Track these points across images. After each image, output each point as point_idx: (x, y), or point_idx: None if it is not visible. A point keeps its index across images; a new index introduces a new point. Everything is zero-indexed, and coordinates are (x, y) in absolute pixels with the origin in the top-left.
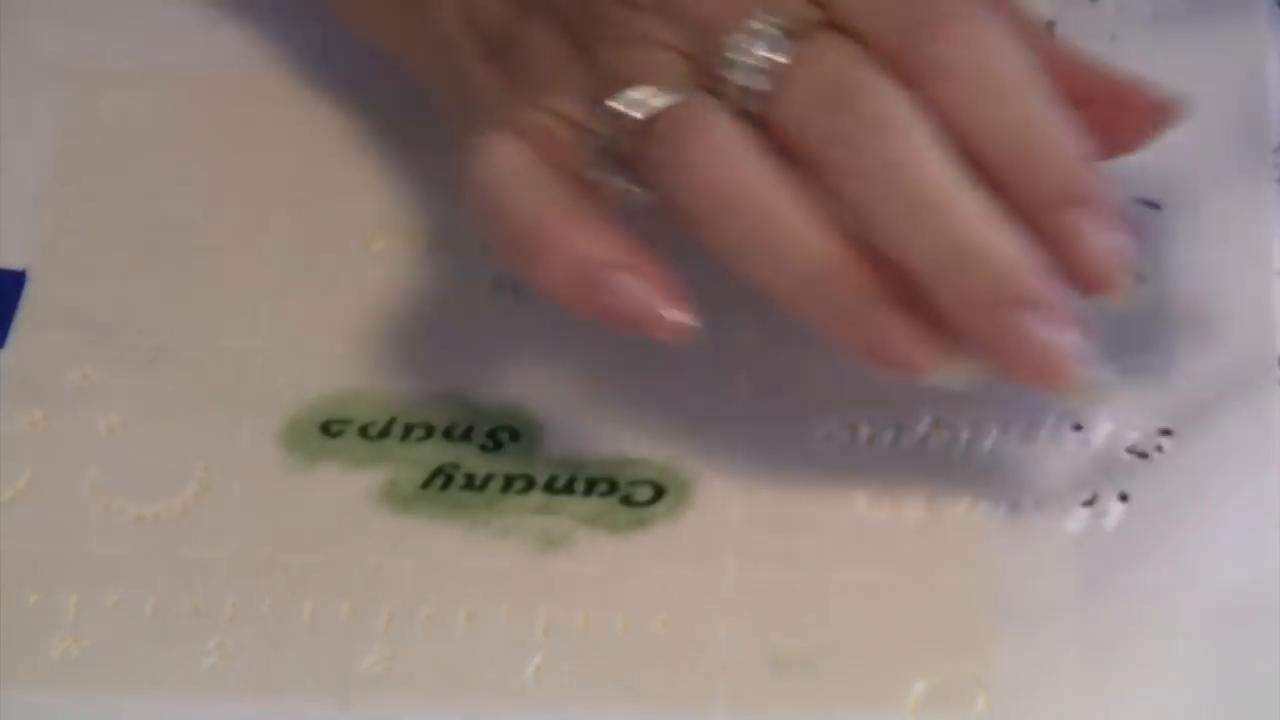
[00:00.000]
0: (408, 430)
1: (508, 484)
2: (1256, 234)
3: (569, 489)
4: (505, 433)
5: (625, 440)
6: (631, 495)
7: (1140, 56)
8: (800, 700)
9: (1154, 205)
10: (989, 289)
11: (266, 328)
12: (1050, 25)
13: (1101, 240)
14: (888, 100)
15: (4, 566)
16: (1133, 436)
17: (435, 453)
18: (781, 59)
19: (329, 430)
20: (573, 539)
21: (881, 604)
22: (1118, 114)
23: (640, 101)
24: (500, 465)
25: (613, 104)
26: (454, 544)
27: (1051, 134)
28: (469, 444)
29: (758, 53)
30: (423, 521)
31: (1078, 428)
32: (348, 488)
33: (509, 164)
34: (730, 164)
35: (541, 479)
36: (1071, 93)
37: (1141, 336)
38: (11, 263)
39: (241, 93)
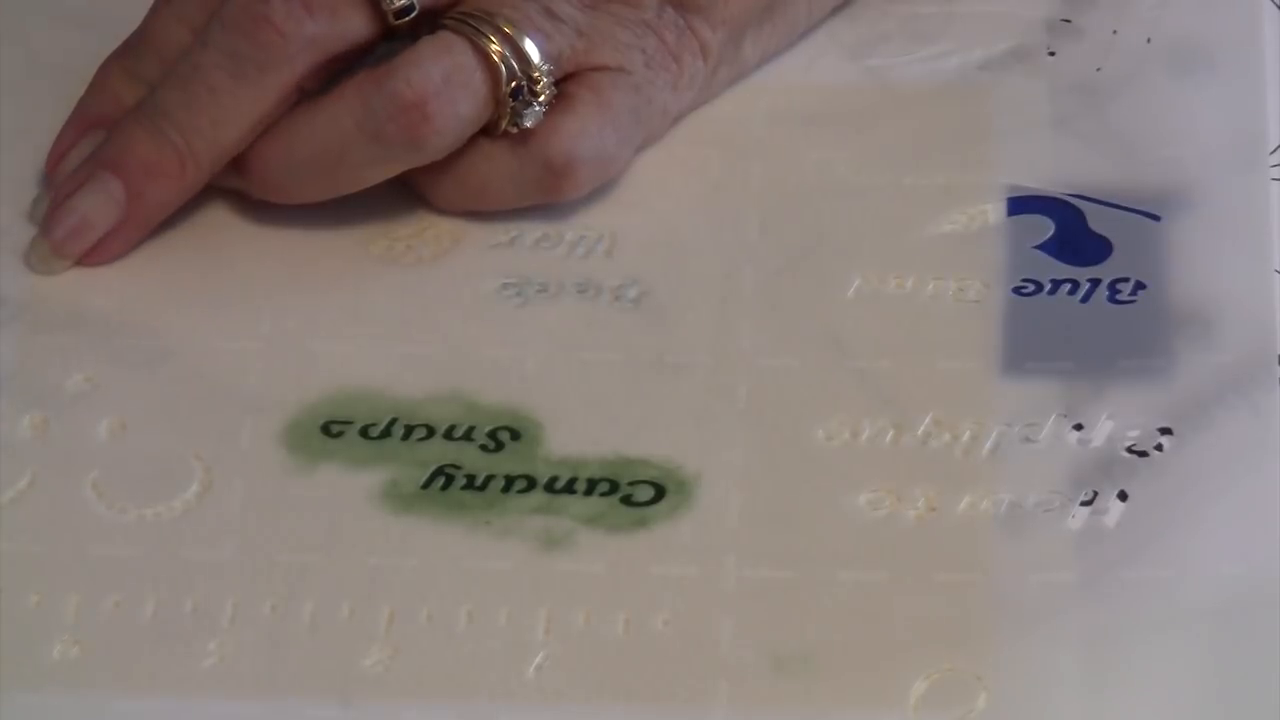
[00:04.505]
0: (408, 431)
1: (508, 484)
2: (1256, 234)
3: (569, 489)
4: (506, 433)
5: (625, 440)
6: (632, 495)
7: (1138, 63)
8: (800, 700)
9: (1153, 217)
10: None
11: (266, 328)
12: (1051, 54)
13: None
14: None
15: (4, 567)
16: (1133, 435)
17: (436, 453)
18: None
19: (330, 431)
20: (573, 539)
21: (882, 603)
22: None
23: None
24: (501, 465)
25: None
26: (455, 544)
27: None
28: (470, 444)
29: None
30: (424, 521)
31: (1078, 427)
32: (349, 488)
33: None
34: None
35: (542, 479)
36: None
37: (1141, 336)
38: (11, 264)
39: None
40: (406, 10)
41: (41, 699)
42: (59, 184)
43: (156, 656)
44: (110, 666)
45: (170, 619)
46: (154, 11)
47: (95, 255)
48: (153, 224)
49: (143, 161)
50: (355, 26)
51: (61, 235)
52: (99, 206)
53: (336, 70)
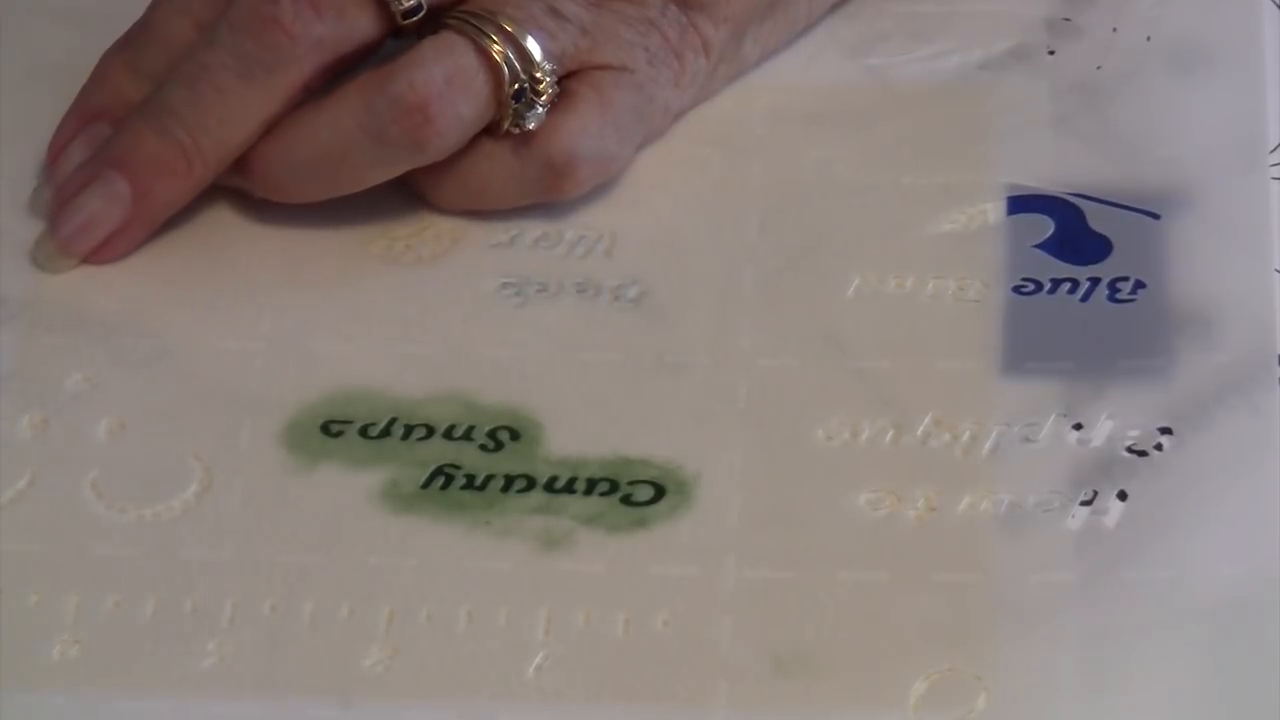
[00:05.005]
0: (408, 430)
1: (508, 484)
2: (1256, 234)
3: (569, 489)
4: (505, 433)
5: (625, 440)
6: (631, 495)
7: (1138, 62)
8: (800, 700)
9: (1153, 216)
10: None
11: (266, 328)
12: (1051, 54)
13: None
14: None
15: (4, 567)
16: (1133, 435)
17: (436, 453)
18: None
19: (330, 430)
20: (573, 539)
21: (881, 603)
22: None
23: None
24: (501, 465)
25: None
26: (454, 544)
27: None
28: (469, 444)
29: None
30: (423, 521)
31: (1078, 427)
32: (348, 488)
33: None
34: None
35: (542, 479)
36: None
37: (1141, 336)
38: (11, 263)
39: None
40: (414, 10)
41: (41, 699)
42: (60, 179)
43: (156, 656)
44: (110, 666)
45: (170, 619)
46: (156, 4)
47: (101, 254)
48: (159, 222)
49: (149, 160)
50: (363, 26)
51: (68, 234)
52: (105, 205)
53: (342, 69)
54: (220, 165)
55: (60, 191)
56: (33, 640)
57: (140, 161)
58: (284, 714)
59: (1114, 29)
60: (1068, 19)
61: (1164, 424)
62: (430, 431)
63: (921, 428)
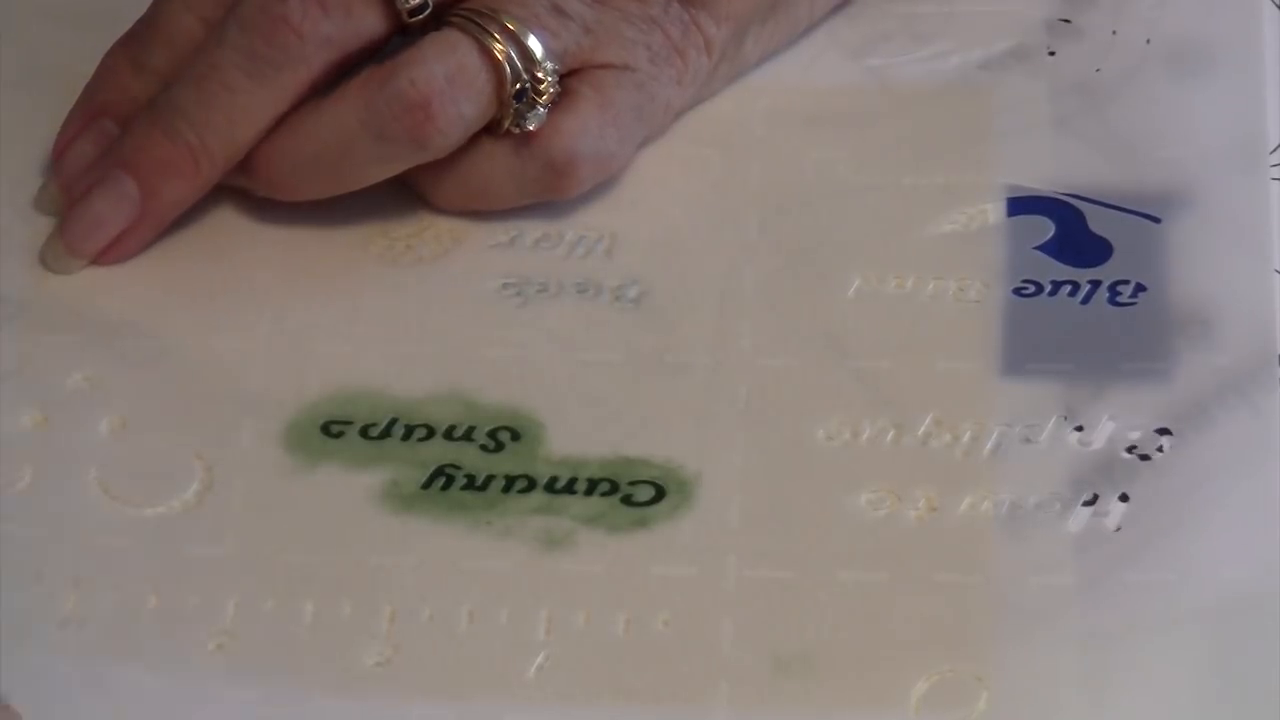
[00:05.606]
0: (409, 431)
1: (509, 484)
2: (1256, 234)
3: (570, 489)
4: (506, 433)
5: (625, 440)
6: (632, 495)
7: (1138, 63)
8: (800, 700)
9: (1154, 220)
10: None
11: (266, 328)
12: (1051, 54)
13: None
14: None
15: (4, 566)
16: (1133, 437)
17: (436, 453)
18: None
19: (330, 431)
20: (574, 539)
21: (882, 604)
22: None
23: None
24: (501, 465)
25: None
26: (455, 544)
27: None
28: (470, 444)
29: None
30: (424, 522)
31: (1079, 428)
32: (349, 488)
33: None
34: None
35: (542, 479)
36: None
37: (1142, 339)
38: (11, 263)
39: None
40: (420, 8)
41: (44, 662)
42: (66, 175)
43: (156, 653)
44: (108, 645)
45: (170, 619)
46: (160, 0)
47: (110, 254)
48: (167, 222)
49: (157, 160)
50: (369, 24)
51: (76, 234)
52: (113, 206)
53: (347, 67)
54: (228, 164)
55: (69, 193)
56: (32, 639)
57: (148, 162)
58: (284, 714)
59: (1114, 30)
60: (1068, 20)
61: (1164, 425)
62: (431, 432)
63: (922, 428)
